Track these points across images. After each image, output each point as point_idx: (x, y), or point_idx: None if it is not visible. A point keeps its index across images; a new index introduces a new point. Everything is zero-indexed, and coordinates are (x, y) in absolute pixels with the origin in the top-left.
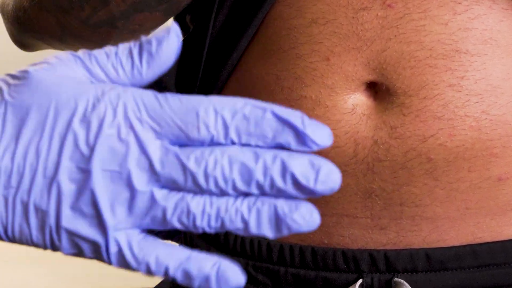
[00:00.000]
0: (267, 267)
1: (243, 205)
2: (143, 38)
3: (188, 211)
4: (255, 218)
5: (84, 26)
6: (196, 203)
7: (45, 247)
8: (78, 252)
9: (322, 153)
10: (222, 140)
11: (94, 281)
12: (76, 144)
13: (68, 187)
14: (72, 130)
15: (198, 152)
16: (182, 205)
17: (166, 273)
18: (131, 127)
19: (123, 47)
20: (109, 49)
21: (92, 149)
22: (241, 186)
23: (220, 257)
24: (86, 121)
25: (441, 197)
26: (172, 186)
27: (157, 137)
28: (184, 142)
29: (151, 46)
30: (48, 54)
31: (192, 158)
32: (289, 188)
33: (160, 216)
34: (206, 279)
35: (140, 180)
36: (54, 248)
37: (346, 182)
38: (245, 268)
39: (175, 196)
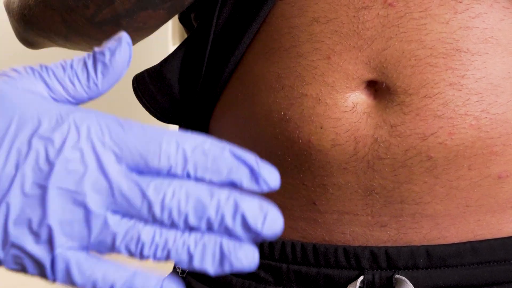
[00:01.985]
0: (269, 264)
1: (190, 238)
2: (96, 49)
3: (138, 240)
4: (200, 253)
5: (89, 24)
6: (147, 232)
7: None
8: (21, 269)
9: (322, 151)
10: (179, 171)
11: None
12: (36, 160)
13: (19, 202)
14: (33, 146)
15: (157, 181)
16: (132, 233)
17: None
18: (93, 148)
19: (77, 60)
20: (65, 62)
21: (51, 166)
22: (192, 220)
23: (164, 276)
24: (48, 138)
25: (441, 195)
26: (125, 211)
27: (117, 161)
28: (142, 169)
29: (105, 57)
30: (52, 52)
31: (151, 187)
32: (237, 228)
33: (110, 241)
34: None
35: (96, 202)
36: None
37: (346, 180)
38: None
39: (127, 223)
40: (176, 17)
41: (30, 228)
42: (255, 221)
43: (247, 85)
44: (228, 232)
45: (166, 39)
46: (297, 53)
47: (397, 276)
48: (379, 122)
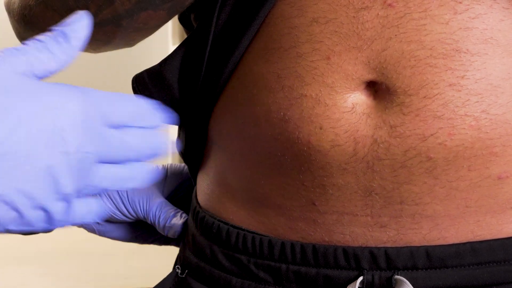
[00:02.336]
0: (268, 264)
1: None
2: (60, 27)
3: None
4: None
5: None
6: (117, 169)
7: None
8: (28, 228)
9: (322, 151)
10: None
11: (94, 281)
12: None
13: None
14: (45, 125)
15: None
16: (110, 171)
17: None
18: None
19: (47, 37)
20: (35, 42)
21: (65, 140)
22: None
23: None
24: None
25: (441, 195)
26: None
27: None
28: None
29: (67, 33)
30: None
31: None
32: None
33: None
34: None
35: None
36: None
37: (346, 180)
38: (247, 265)
39: (104, 166)
40: (176, 17)
41: (56, 192)
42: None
43: (247, 85)
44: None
45: (166, 39)
46: (297, 53)
47: (396, 276)
48: (378, 123)
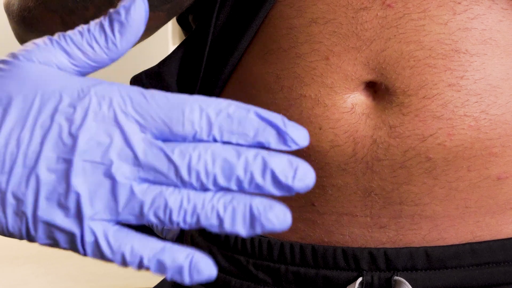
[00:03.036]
0: (267, 265)
1: (219, 202)
2: (111, 10)
3: (165, 206)
4: (230, 216)
5: None
6: (174, 198)
7: (20, 237)
8: (54, 243)
9: (321, 152)
10: (204, 137)
11: (94, 281)
12: (59, 135)
13: (47, 177)
14: (56, 121)
15: (182, 146)
16: (159, 200)
17: (140, 263)
18: (116, 119)
19: (94, 23)
20: (82, 27)
21: (75, 139)
22: (221, 181)
23: (193, 249)
24: (69, 112)
25: (441, 196)
26: (152, 179)
27: (141, 130)
28: (167, 137)
29: (120, 16)
30: None
31: (176, 151)
32: (268, 184)
33: (137, 210)
34: (179, 270)
35: (121, 172)
36: (30, 238)
37: (345, 181)
38: (246, 266)
39: (154, 190)
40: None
41: (59, 202)
42: (286, 176)
43: (246, 86)
44: (260, 190)
45: (166, 39)
46: (296, 54)
47: (396, 277)
48: (378, 123)
